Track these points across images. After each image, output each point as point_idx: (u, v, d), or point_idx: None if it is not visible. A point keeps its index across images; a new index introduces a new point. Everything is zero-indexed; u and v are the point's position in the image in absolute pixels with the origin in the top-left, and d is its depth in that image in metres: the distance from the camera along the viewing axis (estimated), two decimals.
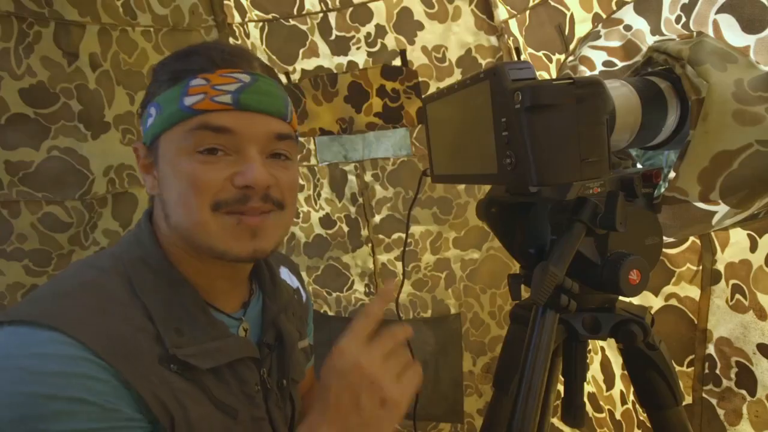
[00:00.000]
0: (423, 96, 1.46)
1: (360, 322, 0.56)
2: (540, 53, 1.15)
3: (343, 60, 1.51)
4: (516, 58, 1.31)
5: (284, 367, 0.71)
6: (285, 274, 0.85)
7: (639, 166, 0.71)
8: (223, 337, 0.62)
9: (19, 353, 0.50)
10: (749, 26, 0.65)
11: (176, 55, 0.62)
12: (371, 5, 1.42)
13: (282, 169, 0.62)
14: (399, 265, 1.65)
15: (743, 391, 0.88)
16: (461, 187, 1.55)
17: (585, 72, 0.84)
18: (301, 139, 1.64)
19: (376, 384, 0.52)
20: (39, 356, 0.50)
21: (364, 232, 1.67)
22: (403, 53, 1.45)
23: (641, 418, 1.13)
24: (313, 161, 1.68)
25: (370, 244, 1.67)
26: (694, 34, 0.68)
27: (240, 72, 0.59)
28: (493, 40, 1.38)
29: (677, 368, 0.97)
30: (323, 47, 1.51)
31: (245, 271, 0.71)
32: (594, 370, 1.28)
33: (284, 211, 0.63)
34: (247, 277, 0.72)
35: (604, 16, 0.89)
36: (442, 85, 1.44)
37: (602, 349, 1.23)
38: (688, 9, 0.72)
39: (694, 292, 0.94)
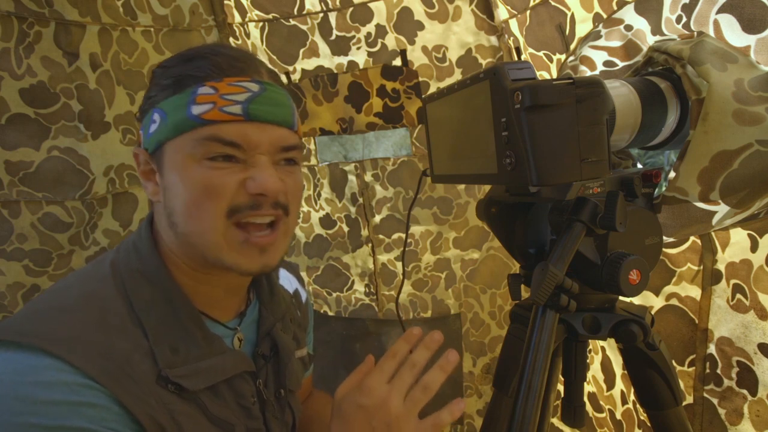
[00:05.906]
0: (423, 96, 1.46)
1: (386, 361, 0.60)
2: (540, 53, 1.15)
3: (343, 60, 1.51)
4: (516, 58, 1.31)
5: (280, 377, 0.71)
6: (284, 275, 0.85)
7: (639, 165, 0.71)
8: (217, 353, 0.61)
9: (14, 380, 0.48)
10: (750, 26, 0.64)
11: (179, 58, 0.60)
12: (371, 5, 1.42)
13: (289, 174, 0.62)
14: (399, 265, 1.65)
15: (744, 391, 0.88)
16: (461, 187, 1.55)
17: (585, 72, 0.84)
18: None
19: (393, 427, 0.55)
20: (36, 385, 0.48)
21: (364, 232, 1.67)
22: (403, 53, 1.45)
23: (642, 418, 1.13)
24: (313, 161, 1.68)
25: (370, 244, 1.67)
26: (695, 34, 0.68)
27: (248, 80, 0.58)
28: (494, 40, 1.38)
29: (678, 368, 0.97)
30: (323, 47, 1.51)
31: (247, 281, 0.70)
32: (594, 369, 1.28)
33: (289, 216, 0.63)
34: (246, 287, 0.72)
35: (605, 16, 0.89)
36: (442, 85, 1.44)
37: (602, 348, 1.23)
38: (688, 9, 0.72)
39: (695, 292, 0.94)
